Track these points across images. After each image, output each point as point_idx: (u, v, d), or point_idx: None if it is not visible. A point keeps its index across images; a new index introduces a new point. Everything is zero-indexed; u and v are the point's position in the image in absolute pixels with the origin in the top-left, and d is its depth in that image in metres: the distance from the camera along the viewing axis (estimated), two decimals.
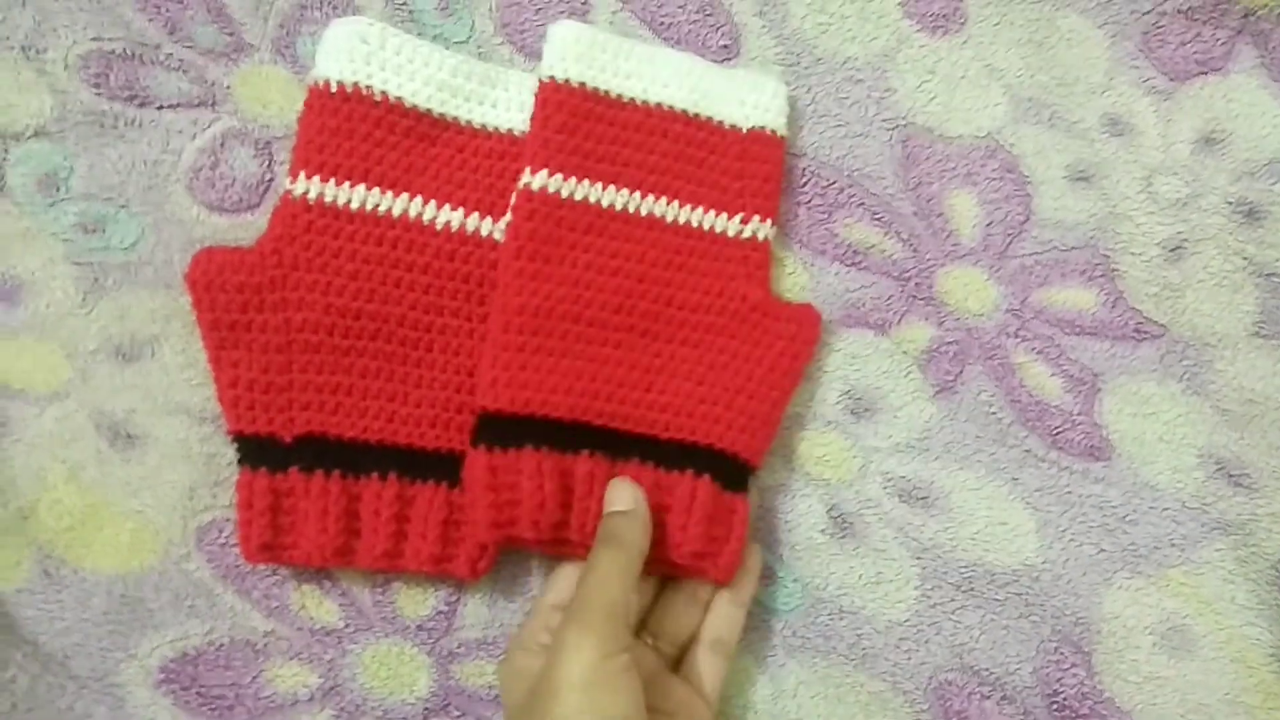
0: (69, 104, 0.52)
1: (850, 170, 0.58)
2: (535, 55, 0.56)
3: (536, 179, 0.51)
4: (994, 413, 0.56)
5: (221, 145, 0.53)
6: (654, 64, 0.54)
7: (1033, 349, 0.57)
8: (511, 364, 0.48)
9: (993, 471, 0.56)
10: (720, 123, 0.54)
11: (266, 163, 0.53)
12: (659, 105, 0.53)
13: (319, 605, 0.50)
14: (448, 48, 0.54)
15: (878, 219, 0.57)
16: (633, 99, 0.53)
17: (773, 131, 0.54)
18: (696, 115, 0.54)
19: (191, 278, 0.48)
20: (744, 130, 0.54)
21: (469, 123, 0.52)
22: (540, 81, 0.52)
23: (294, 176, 0.49)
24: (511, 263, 0.50)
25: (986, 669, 0.53)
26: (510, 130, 0.52)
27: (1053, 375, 0.57)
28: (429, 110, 0.51)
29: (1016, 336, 0.57)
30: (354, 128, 0.49)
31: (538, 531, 0.47)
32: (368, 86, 0.50)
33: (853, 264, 0.56)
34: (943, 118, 0.59)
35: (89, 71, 0.52)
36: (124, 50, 0.53)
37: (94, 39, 0.53)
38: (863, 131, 0.58)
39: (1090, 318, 0.58)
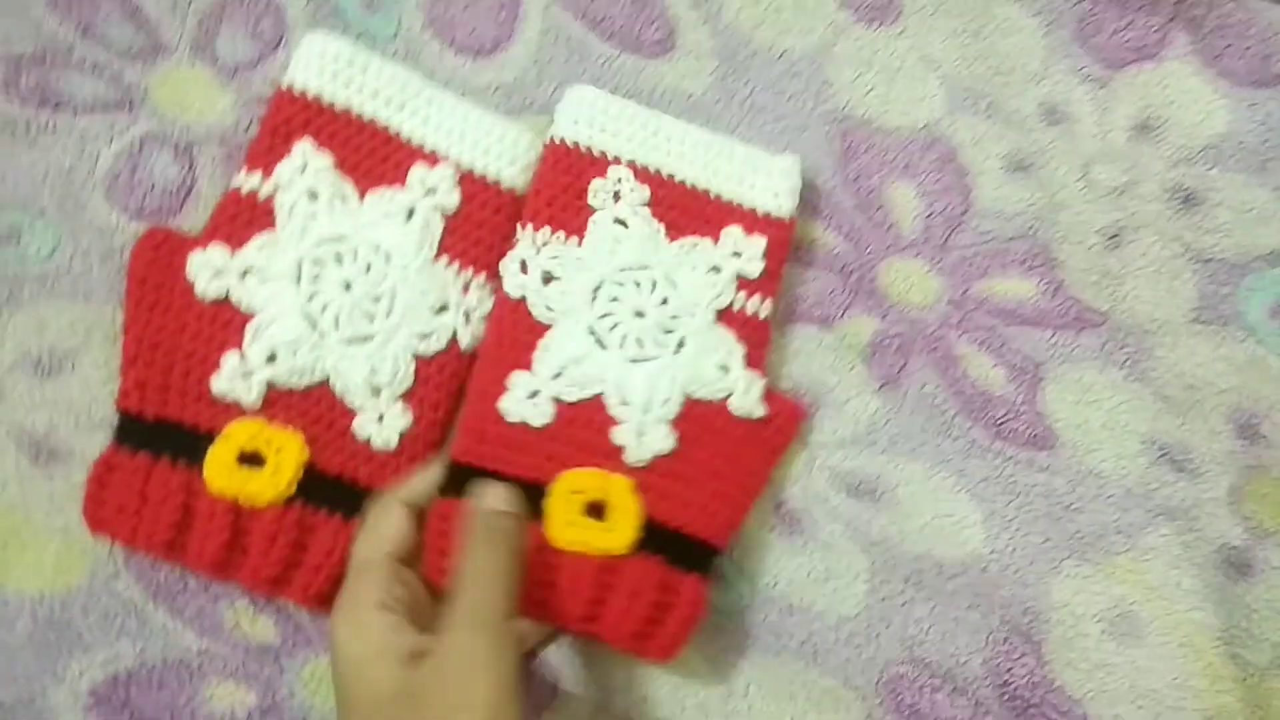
0: None
1: None
2: (464, 50, 0.56)
3: (540, 236, 0.51)
4: (938, 404, 0.56)
5: (140, 149, 0.52)
6: (666, 135, 0.53)
7: (975, 340, 0.57)
8: (484, 420, 0.49)
9: (938, 463, 0.55)
10: (729, 201, 0.53)
11: (187, 166, 0.52)
12: (669, 176, 0.53)
13: (253, 622, 0.49)
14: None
15: (818, 213, 0.57)
16: (645, 167, 0.52)
17: (781, 217, 0.54)
18: (705, 191, 0.53)
19: (136, 249, 0.48)
20: (758, 213, 0.53)
21: (409, 138, 0.52)
22: (546, 142, 0.52)
23: (246, 170, 0.49)
24: (507, 322, 0.50)
25: (937, 661, 0.53)
26: (434, 150, 0.52)
27: (995, 365, 0.57)
28: (374, 119, 0.51)
29: (959, 328, 0.57)
30: (311, 134, 0.50)
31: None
32: (330, 101, 0.50)
33: (794, 259, 0.56)
34: (881, 110, 0.59)
35: None
36: (35, 52, 0.51)
37: (2, 42, 0.51)
38: (801, 125, 0.58)
39: (1031, 307, 0.58)
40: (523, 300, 0.50)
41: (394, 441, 0.49)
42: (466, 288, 0.51)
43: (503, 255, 0.52)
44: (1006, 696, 0.53)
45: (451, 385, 0.51)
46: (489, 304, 0.52)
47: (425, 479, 0.48)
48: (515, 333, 0.50)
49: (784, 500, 0.54)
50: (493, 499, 0.45)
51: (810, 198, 0.57)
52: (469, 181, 0.52)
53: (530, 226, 0.51)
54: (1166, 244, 0.60)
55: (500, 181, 0.52)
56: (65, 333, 0.49)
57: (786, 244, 0.54)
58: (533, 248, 0.51)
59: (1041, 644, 0.54)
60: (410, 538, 0.46)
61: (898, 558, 0.54)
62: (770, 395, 0.52)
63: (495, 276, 0.52)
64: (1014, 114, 0.60)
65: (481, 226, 0.52)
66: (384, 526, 0.46)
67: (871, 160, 0.58)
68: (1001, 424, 0.56)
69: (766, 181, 0.54)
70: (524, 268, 0.51)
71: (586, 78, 0.57)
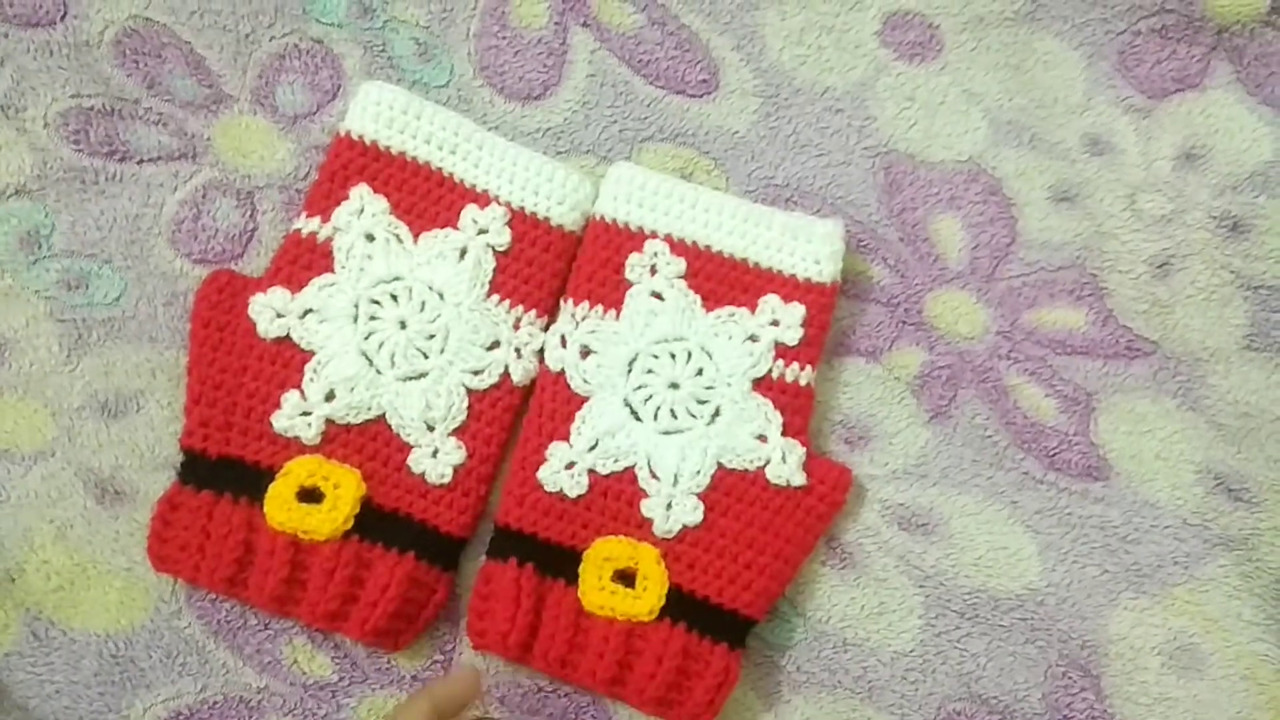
0: (49, 161, 0.52)
1: (833, 199, 0.58)
2: (514, 97, 0.57)
3: (579, 310, 0.52)
4: (989, 436, 0.56)
5: (203, 197, 0.53)
6: (703, 207, 0.54)
7: (1025, 370, 0.57)
8: (525, 487, 0.50)
9: (991, 495, 0.55)
10: (767, 269, 0.54)
11: (249, 212, 0.53)
12: (706, 248, 0.53)
13: (311, 659, 0.49)
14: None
15: (863, 246, 0.58)
16: (681, 240, 0.53)
17: (822, 283, 0.54)
18: (744, 260, 0.54)
19: (202, 292, 0.49)
20: (798, 279, 0.53)
21: (461, 180, 0.53)
22: (591, 219, 0.53)
23: (305, 214, 0.51)
24: (547, 394, 0.51)
25: (995, 697, 0.52)
26: (486, 191, 0.53)
27: (1046, 396, 0.57)
28: (428, 163, 0.52)
29: (1008, 358, 0.57)
30: (367, 179, 0.51)
31: (504, 648, 0.48)
32: (386, 146, 0.52)
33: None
34: (924, 144, 0.59)
35: (68, 128, 0.52)
36: (103, 106, 0.53)
37: (73, 95, 0.53)
38: (844, 160, 0.59)
39: (1081, 337, 0.58)
40: (562, 373, 0.52)
41: (448, 476, 0.50)
42: (518, 324, 0.52)
43: (554, 292, 0.53)
44: None
45: (504, 420, 0.51)
46: (540, 340, 0.52)
47: (458, 686, 0.48)
48: (554, 404, 0.51)
49: (836, 534, 0.54)
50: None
51: (855, 232, 0.57)
52: (519, 221, 0.53)
53: (570, 302, 0.52)
54: (1215, 272, 0.59)
55: (549, 219, 0.53)
56: (131, 375, 0.51)
57: (829, 309, 0.54)
58: (572, 322, 0.52)
59: (1100, 678, 0.53)
60: None
61: (952, 592, 0.54)
62: (814, 462, 0.52)
63: (546, 313, 0.53)
64: (1057, 145, 0.60)
65: (532, 264, 0.53)
66: None
67: (916, 193, 0.58)
68: (1055, 455, 0.56)
69: (806, 248, 0.54)
70: (563, 342, 0.52)
71: (632, 120, 0.58)
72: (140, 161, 0.53)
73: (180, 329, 0.51)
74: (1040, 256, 0.59)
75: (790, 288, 0.53)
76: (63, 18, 0.53)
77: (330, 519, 0.48)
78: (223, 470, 0.48)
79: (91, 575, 0.48)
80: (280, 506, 0.47)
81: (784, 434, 0.52)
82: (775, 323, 0.53)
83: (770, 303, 0.53)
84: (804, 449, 0.52)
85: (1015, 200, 0.59)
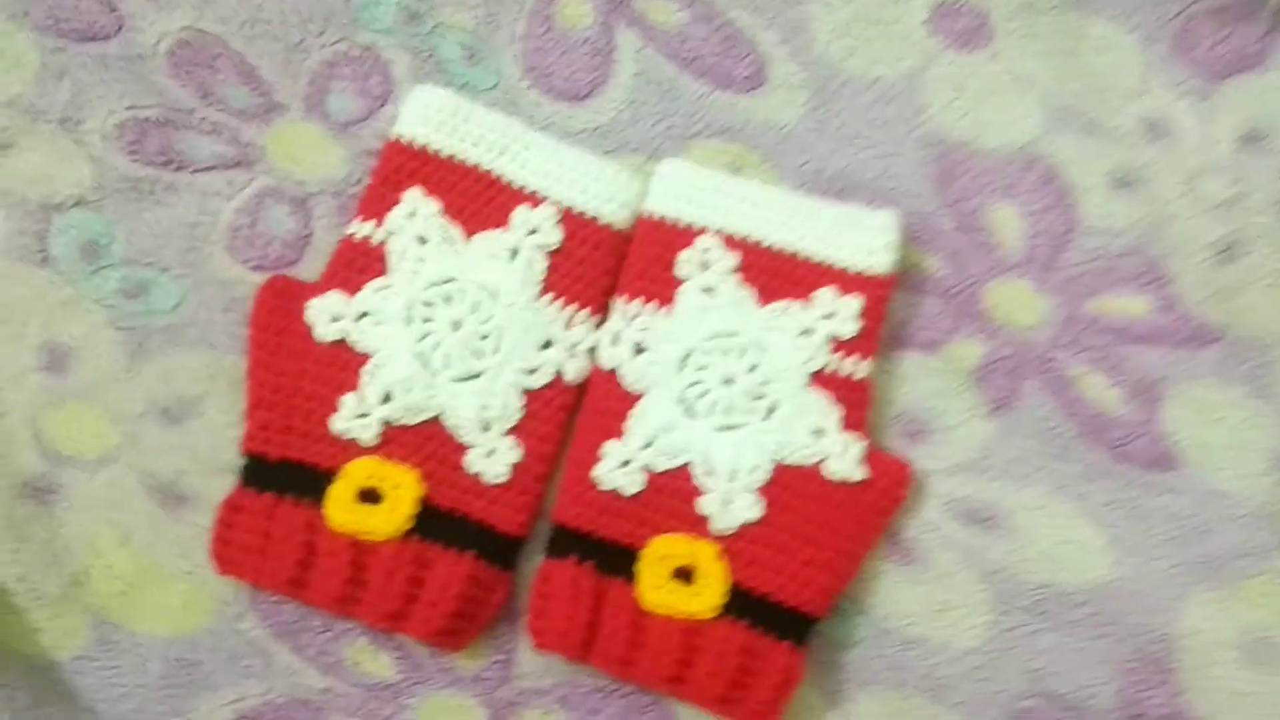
0: (107, 172, 0.53)
1: (886, 191, 0.57)
2: (562, 97, 0.57)
3: (631, 308, 0.52)
4: (1053, 427, 0.55)
5: (258, 204, 0.53)
6: (754, 201, 0.53)
7: (1088, 360, 0.56)
8: (580, 486, 0.50)
9: (1057, 488, 0.54)
10: (820, 262, 0.53)
11: (304, 219, 0.54)
12: (758, 242, 0.53)
13: (374, 659, 0.49)
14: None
15: (918, 237, 0.56)
16: (733, 235, 0.53)
17: (878, 274, 0.53)
18: (796, 254, 0.53)
19: (259, 297, 0.50)
20: (852, 272, 0.53)
21: (510, 181, 0.53)
22: (641, 217, 0.53)
23: (360, 219, 0.51)
24: (600, 392, 0.51)
25: (1066, 693, 0.51)
26: (535, 191, 0.53)
27: (1111, 385, 0.55)
28: (478, 165, 0.53)
29: (1070, 348, 0.56)
30: (419, 183, 0.52)
31: (565, 647, 0.48)
32: (437, 150, 0.52)
33: (897, 284, 0.54)
34: (976, 132, 0.58)
35: (125, 140, 0.53)
36: (158, 116, 0.54)
37: (129, 107, 0.54)
38: (895, 151, 0.58)
39: (1145, 324, 0.56)
40: (615, 371, 0.51)
41: (505, 475, 0.50)
42: (570, 323, 0.52)
43: (605, 290, 0.53)
44: None
45: (559, 418, 0.51)
46: (593, 338, 0.52)
47: None
48: (608, 402, 0.51)
49: (897, 529, 0.53)
50: None
51: (910, 223, 0.56)
52: (570, 220, 0.53)
53: (623, 299, 0.52)
54: None
55: (599, 218, 0.53)
56: (191, 381, 0.51)
57: (885, 301, 0.53)
58: (624, 320, 0.52)
59: (1175, 672, 0.52)
60: None
61: (1019, 587, 0.53)
62: (875, 456, 0.51)
63: (599, 311, 0.53)
64: (1114, 130, 0.59)
65: (583, 263, 0.53)
66: None
67: (970, 183, 0.57)
68: (1121, 446, 0.55)
69: (860, 239, 0.53)
70: (615, 339, 0.52)
71: (680, 116, 0.57)
72: (196, 171, 0.53)
73: (238, 334, 0.51)
74: (1100, 243, 0.58)
75: (845, 280, 0.53)
76: (118, 31, 0.54)
77: (390, 519, 0.48)
78: (283, 473, 0.48)
79: (155, 579, 0.49)
80: (340, 508, 0.48)
81: (842, 428, 0.51)
82: (831, 316, 0.52)
83: (825, 296, 0.52)
84: (863, 443, 0.51)
85: (1073, 186, 0.58)
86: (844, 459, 0.51)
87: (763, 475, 0.50)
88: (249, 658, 0.49)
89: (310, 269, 0.53)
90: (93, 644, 0.48)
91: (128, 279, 0.52)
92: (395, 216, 0.51)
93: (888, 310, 0.53)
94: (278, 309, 0.50)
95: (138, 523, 0.49)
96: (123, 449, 0.50)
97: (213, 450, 0.50)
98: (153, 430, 0.50)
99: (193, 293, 0.52)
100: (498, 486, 0.50)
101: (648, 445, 0.50)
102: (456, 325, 0.51)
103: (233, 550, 0.48)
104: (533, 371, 0.51)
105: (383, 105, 0.56)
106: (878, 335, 0.53)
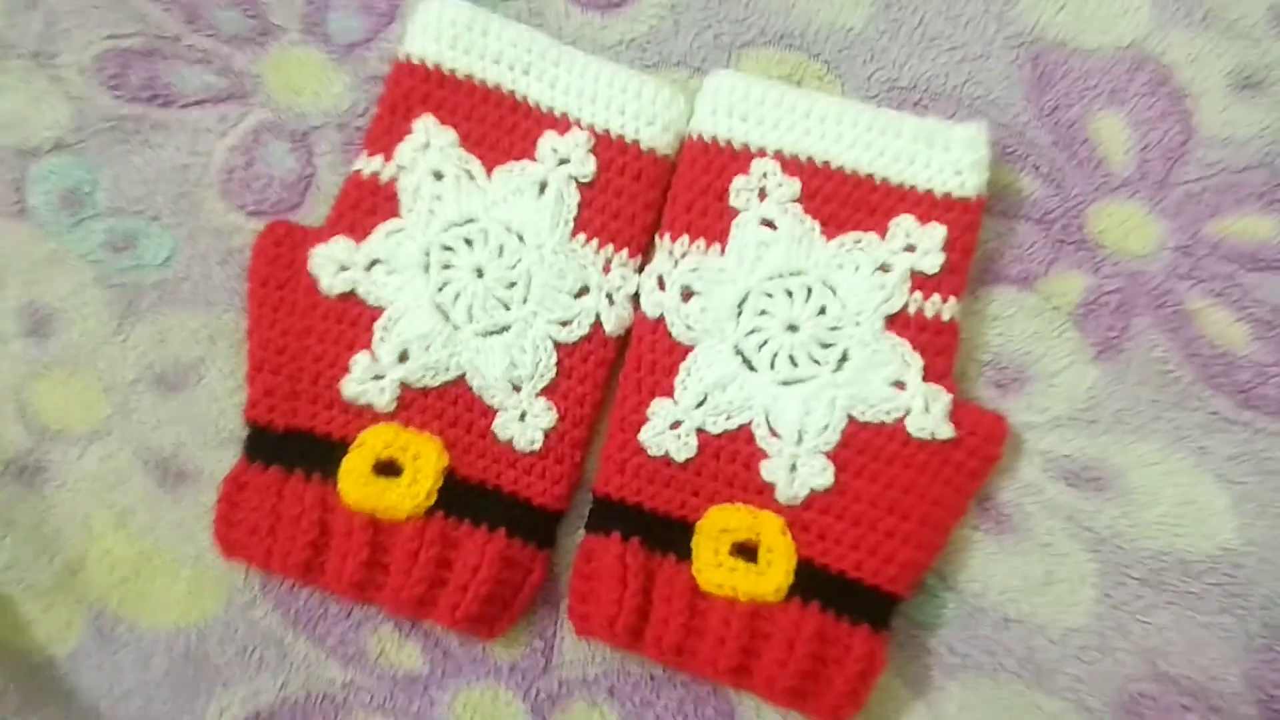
0: (87, 111, 0.51)
1: (971, 100, 0.54)
2: (592, 5, 0.54)
3: (677, 247, 0.48)
4: (1170, 371, 0.51)
5: (254, 141, 0.52)
6: (819, 116, 0.49)
7: (1210, 291, 0.52)
8: (625, 452, 0.47)
9: (1175, 441, 0.50)
10: (898, 185, 0.49)
11: (305, 155, 0.51)
12: (824, 164, 0.49)
13: (399, 649, 0.47)
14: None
15: (1010, 153, 0.53)
16: (794, 156, 0.49)
17: (966, 198, 0.49)
18: (870, 176, 0.49)
19: (258, 246, 0.47)
20: (936, 195, 0.49)
21: (537, 104, 0.49)
22: (686, 140, 0.50)
23: (366, 153, 0.49)
24: (645, 344, 0.48)
25: (1186, 676, 0.48)
26: (565, 114, 0.49)
27: (1237, 320, 0.52)
28: (498, 86, 0.49)
29: (1189, 278, 0.52)
30: (432, 109, 0.49)
31: (611, 634, 0.45)
32: (451, 69, 0.49)
33: (986, 209, 0.51)
34: (1076, 29, 0.55)
35: (106, 73, 0.51)
36: (141, 46, 0.52)
37: (108, 37, 0.52)
38: (982, 53, 0.54)
39: (1274, 249, 0.53)
40: (661, 319, 0.48)
41: (539, 441, 0.47)
42: (608, 266, 0.49)
43: (647, 227, 0.49)
44: (1274, 715, 0.48)
45: (598, 375, 0.48)
46: (634, 282, 0.49)
47: None
48: (654, 356, 0.48)
49: (990, 493, 0.50)
50: None
51: (1001, 137, 0.53)
52: (605, 146, 0.49)
53: (668, 237, 0.49)
54: None
55: (639, 143, 0.49)
56: (188, 343, 0.49)
57: (974, 229, 0.49)
58: (670, 260, 0.49)
59: None
60: None
61: (1131, 556, 0.49)
62: (962, 410, 0.48)
63: (639, 252, 0.49)
64: (1237, 23, 0.55)
65: (621, 196, 0.49)
66: None
67: (1070, 88, 0.54)
68: (1248, 390, 0.51)
69: (944, 157, 0.49)
70: (661, 283, 0.48)
71: (728, 22, 0.53)
72: (184, 106, 0.51)
73: (237, 289, 0.50)
74: (1222, 156, 0.54)
75: (927, 206, 0.49)
76: None
77: (411, 494, 0.45)
78: (291, 444, 0.46)
79: (157, 565, 0.47)
80: (356, 482, 0.45)
81: (925, 379, 0.48)
82: (910, 248, 0.49)
83: (903, 225, 0.48)
84: (949, 395, 0.47)
85: (1189, 91, 0.54)
86: (928, 414, 0.47)
87: (834, 435, 0.47)
88: (263, 649, 0.47)
89: (315, 213, 0.51)
90: (90, 638, 0.46)
91: (114, 230, 0.50)
92: (406, 149, 0.48)
93: (976, 240, 0.50)
94: (279, 259, 0.47)
95: (135, 503, 0.48)
96: (115, 421, 0.48)
97: (214, 420, 0.49)
98: (147, 399, 0.49)
99: (185, 244, 0.50)
100: (531, 455, 0.47)
101: (701, 403, 0.47)
102: (480, 272, 0.48)
103: (239, 531, 0.45)
104: (567, 323, 0.48)
105: (389, 23, 0.53)
106: (965, 270, 0.49)
